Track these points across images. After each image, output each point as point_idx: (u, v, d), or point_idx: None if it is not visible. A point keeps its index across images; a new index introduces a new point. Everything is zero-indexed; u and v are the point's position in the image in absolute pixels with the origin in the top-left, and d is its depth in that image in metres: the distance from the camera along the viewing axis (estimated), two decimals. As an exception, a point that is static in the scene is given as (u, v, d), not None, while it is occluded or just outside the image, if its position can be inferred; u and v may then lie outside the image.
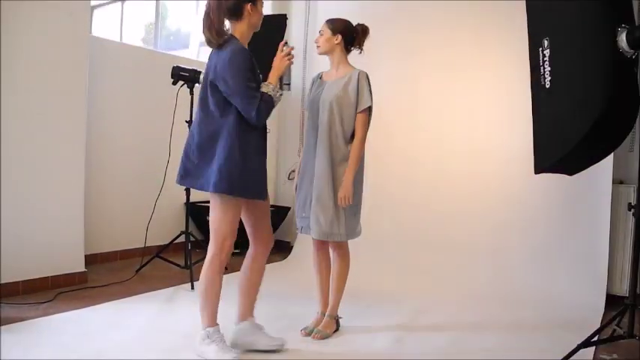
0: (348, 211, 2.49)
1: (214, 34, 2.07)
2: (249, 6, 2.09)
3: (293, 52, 2.22)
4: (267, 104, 2.08)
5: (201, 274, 2.21)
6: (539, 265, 3.34)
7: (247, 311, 2.31)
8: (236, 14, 2.09)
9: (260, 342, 2.27)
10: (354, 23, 2.56)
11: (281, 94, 2.17)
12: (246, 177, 2.09)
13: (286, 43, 2.23)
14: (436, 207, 3.77)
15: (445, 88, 3.84)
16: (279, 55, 2.19)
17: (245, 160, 2.08)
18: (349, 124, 2.48)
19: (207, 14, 2.08)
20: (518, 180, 3.44)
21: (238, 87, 2.03)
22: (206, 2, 2.10)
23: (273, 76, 2.16)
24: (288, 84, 4.84)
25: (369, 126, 2.52)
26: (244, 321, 2.30)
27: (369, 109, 2.49)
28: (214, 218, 2.19)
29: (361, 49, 2.59)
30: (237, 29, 2.13)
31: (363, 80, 2.48)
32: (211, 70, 2.10)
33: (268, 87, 2.11)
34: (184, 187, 3.50)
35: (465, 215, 3.65)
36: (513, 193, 3.51)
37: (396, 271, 3.63)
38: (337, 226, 2.47)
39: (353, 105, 2.46)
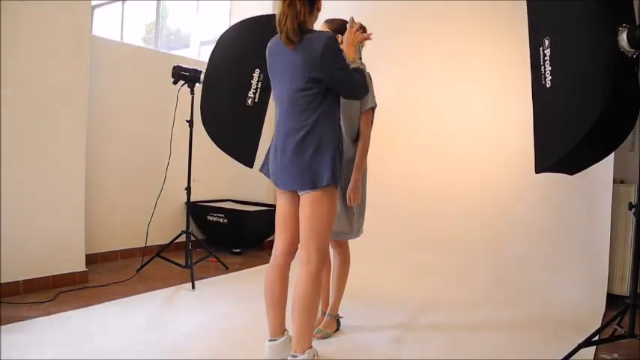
0: (356, 210, 2.50)
1: (296, 27, 1.89)
2: (319, 3, 2.04)
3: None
4: (363, 77, 2.08)
5: (297, 293, 1.97)
6: (539, 265, 3.33)
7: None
8: (311, 8, 2.00)
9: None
10: None
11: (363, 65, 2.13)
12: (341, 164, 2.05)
13: (353, 19, 2.24)
14: (436, 207, 3.77)
15: (446, 88, 3.83)
16: (350, 30, 2.19)
17: (342, 151, 2.06)
18: (354, 124, 2.48)
19: (291, 4, 1.89)
20: (519, 180, 3.44)
21: (346, 72, 1.97)
22: None
23: (349, 51, 2.14)
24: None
25: (372, 126, 2.52)
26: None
27: (372, 108, 2.49)
28: (315, 218, 1.97)
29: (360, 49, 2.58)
30: (310, 24, 2.02)
31: (366, 80, 2.47)
32: (303, 65, 1.92)
33: (356, 63, 2.10)
34: (185, 187, 3.52)
35: (465, 215, 3.64)
36: (513, 193, 3.50)
37: (396, 271, 3.64)
38: (346, 225, 2.48)
39: (357, 105, 2.45)
